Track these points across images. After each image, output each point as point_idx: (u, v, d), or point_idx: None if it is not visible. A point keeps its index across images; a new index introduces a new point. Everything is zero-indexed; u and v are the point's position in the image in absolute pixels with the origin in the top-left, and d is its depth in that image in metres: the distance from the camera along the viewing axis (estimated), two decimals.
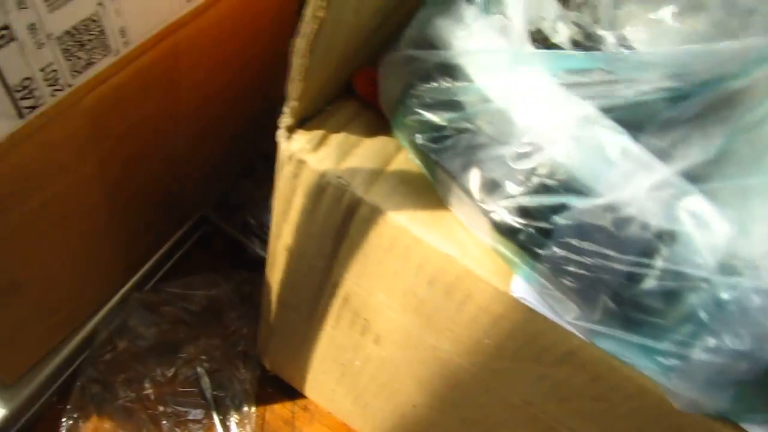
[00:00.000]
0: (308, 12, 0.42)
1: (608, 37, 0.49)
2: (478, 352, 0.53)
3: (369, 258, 0.53)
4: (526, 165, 0.43)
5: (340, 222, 0.52)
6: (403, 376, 0.64)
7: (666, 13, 0.47)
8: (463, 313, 0.50)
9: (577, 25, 0.51)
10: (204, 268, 0.92)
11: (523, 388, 0.54)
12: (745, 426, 0.46)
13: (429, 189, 0.50)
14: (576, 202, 0.42)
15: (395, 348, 0.60)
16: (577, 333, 0.46)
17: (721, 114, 0.44)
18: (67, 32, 0.49)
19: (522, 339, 0.49)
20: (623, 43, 0.48)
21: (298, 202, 0.53)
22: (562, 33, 0.52)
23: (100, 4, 0.50)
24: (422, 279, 0.50)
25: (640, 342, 0.44)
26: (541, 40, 0.51)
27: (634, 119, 0.44)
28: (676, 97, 0.43)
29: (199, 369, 0.84)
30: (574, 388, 0.50)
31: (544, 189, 0.43)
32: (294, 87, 0.47)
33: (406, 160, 0.52)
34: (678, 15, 0.46)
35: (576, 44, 0.50)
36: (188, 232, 0.94)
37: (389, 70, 0.52)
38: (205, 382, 0.84)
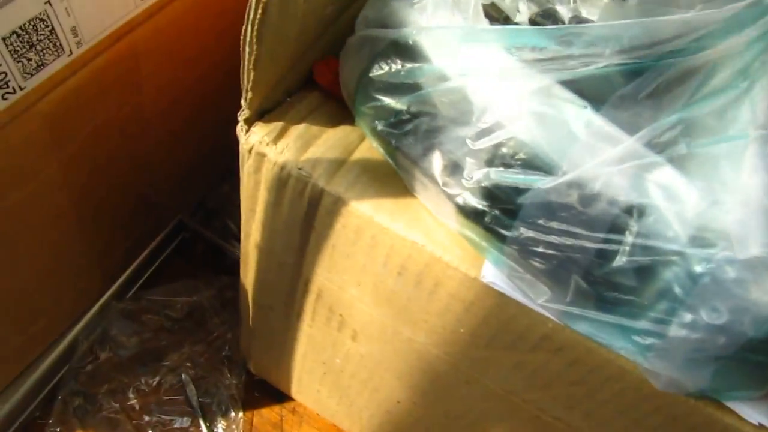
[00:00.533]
0: None
1: (565, 14, 0.48)
2: (453, 342, 0.52)
3: (337, 251, 0.51)
4: (486, 144, 0.42)
5: (305, 215, 0.50)
6: (383, 372, 0.62)
7: None
8: (435, 302, 0.49)
9: (536, 3, 0.50)
10: (185, 275, 0.90)
11: (502, 376, 0.52)
12: (727, 403, 0.45)
13: (393, 176, 0.49)
14: (540, 181, 0.41)
15: (372, 343, 0.59)
16: (550, 316, 0.45)
17: (681, 86, 0.43)
18: (14, 32, 0.47)
19: (495, 326, 0.48)
20: (580, 20, 0.46)
21: (262, 197, 0.52)
22: (523, 12, 0.51)
23: (47, 2, 0.49)
24: (391, 269, 0.49)
25: (615, 322, 0.43)
26: (502, 19, 0.50)
27: (592, 94, 0.43)
28: (633, 71, 0.42)
29: (183, 376, 0.83)
30: (553, 374, 0.49)
31: (507, 168, 0.42)
32: (246, 77, 0.46)
33: (370, 149, 0.50)
34: None
35: (534, 23, 0.49)
36: (167, 239, 0.93)
37: (347, 55, 0.50)
38: (191, 389, 0.82)
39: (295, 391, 0.81)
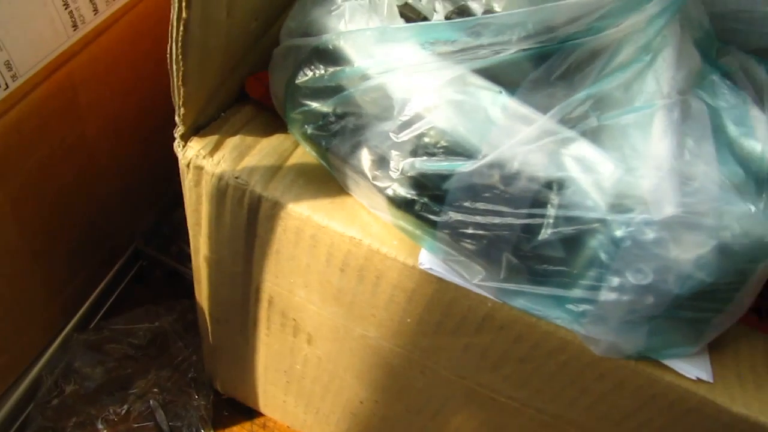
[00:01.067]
0: (173, 14, 0.42)
1: (478, 9, 0.50)
2: (402, 333, 0.53)
3: (281, 254, 0.53)
4: (409, 136, 0.44)
5: (247, 222, 0.52)
6: (342, 373, 0.64)
7: None
8: (379, 294, 0.50)
9: (451, 1, 0.52)
10: (145, 301, 0.91)
11: (454, 362, 0.54)
12: (666, 362, 0.47)
13: (328, 178, 0.50)
14: (462, 165, 0.43)
15: (327, 344, 0.60)
16: (488, 295, 0.46)
17: (590, 65, 0.45)
18: None
19: (439, 311, 0.49)
20: (489, 11, 0.48)
21: (205, 209, 0.53)
22: (440, 12, 0.52)
23: None
24: (334, 266, 0.51)
25: (549, 293, 0.45)
26: (419, 19, 0.52)
27: (506, 80, 0.44)
28: (543, 55, 0.44)
29: (152, 402, 0.83)
30: (500, 353, 0.50)
31: (430, 157, 0.44)
32: (177, 93, 0.47)
33: (304, 154, 0.52)
34: None
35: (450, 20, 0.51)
36: (124, 267, 0.94)
37: (274, 66, 0.52)
38: (160, 414, 0.83)
39: (263, 404, 0.82)
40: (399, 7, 0.49)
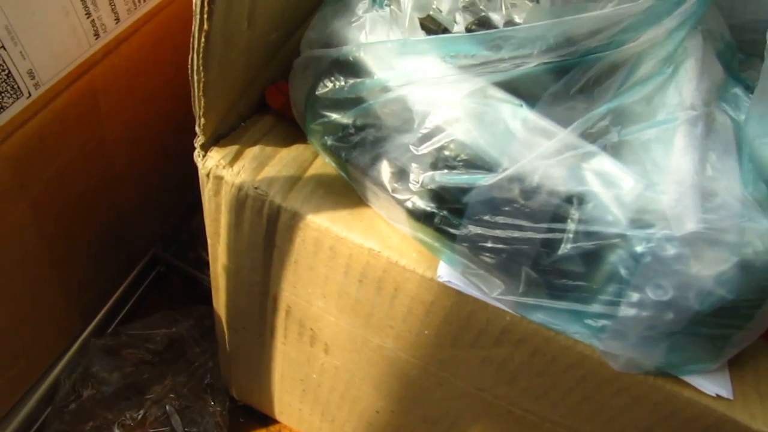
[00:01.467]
0: (195, 26, 0.42)
1: (499, 21, 0.50)
2: (420, 345, 0.53)
3: (299, 265, 0.53)
4: (429, 148, 0.44)
5: (266, 232, 0.52)
6: (359, 382, 0.64)
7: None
8: (397, 306, 0.50)
9: (471, 13, 0.52)
10: (163, 308, 0.91)
11: (471, 374, 0.54)
12: (684, 378, 0.47)
13: (347, 189, 0.50)
14: (483, 179, 0.42)
15: (344, 354, 0.60)
16: (506, 309, 0.46)
17: (609, 79, 0.45)
18: None
19: (457, 324, 0.49)
20: (512, 25, 0.48)
21: (224, 219, 0.53)
22: (460, 23, 0.52)
23: (2, 47, 0.50)
24: (352, 278, 0.51)
25: (568, 308, 0.44)
26: (440, 31, 0.52)
27: (526, 93, 0.44)
28: (563, 69, 0.44)
29: (168, 408, 0.83)
30: (517, 367, 0.50)
31: (451, 170, 0.44)
32: (198, 104, 0.47)
33: (323, 165, 0.52)
34: None
35: (469, 32, 0.51)
36: (142, 274, 0.94)
37: (295, 76, 0.52)
38: (176, 420, 0.83)
39: (278, 412, 0.82)
40: (420, 18, 0.49)
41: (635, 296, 0.42)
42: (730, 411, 0.46)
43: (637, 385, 0.47)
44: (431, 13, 0.52)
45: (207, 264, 0.94)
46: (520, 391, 0.53)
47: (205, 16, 0.41)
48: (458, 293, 0.47)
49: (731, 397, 0.47)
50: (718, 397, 0.46)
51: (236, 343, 0.71)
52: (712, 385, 0.47)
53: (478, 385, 0.55)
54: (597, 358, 0.46)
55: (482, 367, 0.52)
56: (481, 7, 0.53)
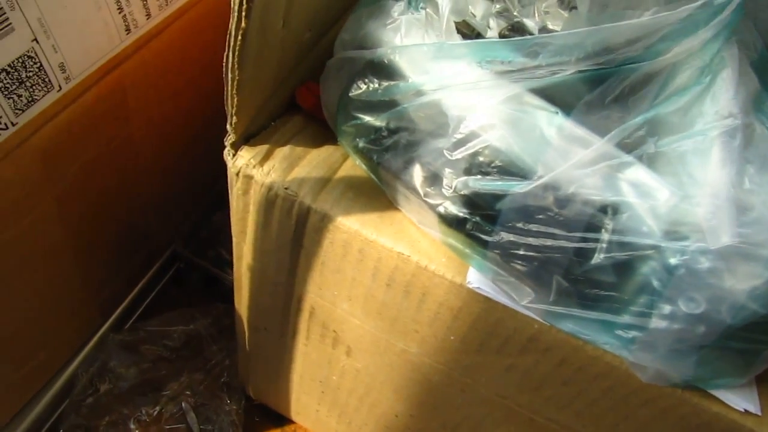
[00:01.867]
0: (232, 24, 0.42)
1: (533, 27, 0.49)
2: (445, 350, 0.53)
3: (327, 267, 0.53)
4: (463, 154, 0.44)
5: (294, 233, 0.52)
6: (379, 386, 0.63)
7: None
8: (424, 311, 0.50)
9: (505, 18, 0.52)
10: (181, 305, 0.91)
11: (495, 381, 0.54)
12: (712, 392, 0.46)
13: (377, 192, 0.50)
14: (517, 186, 0.42)
15: (367, 357, 0.60)
16: (536, 317, 0.46)
17: (645, 88, 0.44)
18: (3, 70, 0.49)
19: (484, 330, 0.49)
20: (547, 31, 0.48)
21: (252, 218, 0.53)
22: (494, 28, 0.52)
23: (34, 40, 0.50)
24: (380, 281, 0.50)
25: (599, 318, 0.44)
26: (474, 35, 0.52)
27: (562, 101, 0.44)
28: (599, 77, 0.44)
29: (184, 405, 0.83)
30: (543, 375, 0.50)
31: (484, 176, 0.43)
32: (230, 102, 0.47)
33: (353, 167, 0.52)
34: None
35: (504, 38, 0.51)
36: (162, 270, 0.94)
37: (327, 77, 0.52)
38: (192, 417, 0.83)
39: (295, 412, 0.82)
40: (456, 23, 0.49)
41: (667, 308, 0.42)
42: (758, 427, 0.46)
43: (664, 398, 0.47)
44: (466, 18, 0.52)
45: (227, 262, 0.94)
46: (544, 400, 0.52)
47: (243, 13, 0.41)
48: (487, 300, 0.47)
49: (759, 413, 0.46)
50: (746, 412, 0.46)
51: (256, 343, 0.71)
52: (740, 400, 0.46)
53: (501, 393, 0.54)
54: (625, 369, 0.46)
55: (507, 375, 0.52)
56: (515, 13, 0.53)
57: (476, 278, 0.46)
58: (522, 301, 0.45)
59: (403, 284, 0.49)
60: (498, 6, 0.53)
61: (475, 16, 0.53)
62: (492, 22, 0.53)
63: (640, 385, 0.46)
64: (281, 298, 0.60)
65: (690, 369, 0.45)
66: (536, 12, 0.52)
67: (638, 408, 0.49)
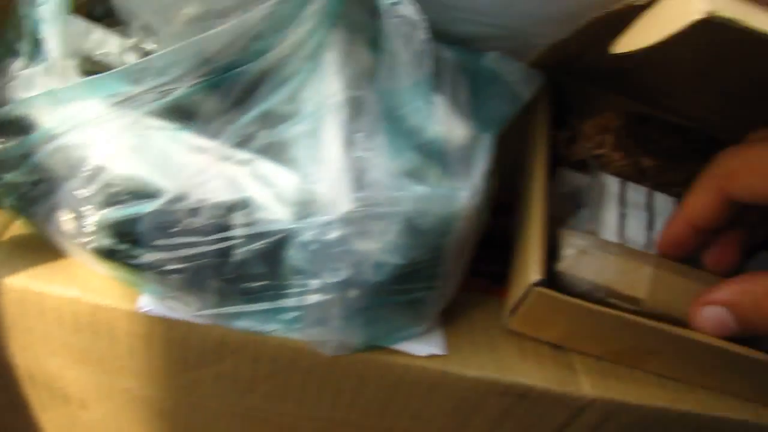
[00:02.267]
0: None
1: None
2: (157, 377, 0.54)
3: (18, 329, 0.53)
4: (95, 189, 0.45)
5: None
6: (127, 428, 0.63)
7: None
8: (119, 345, 0.51)
9: (138, 51, 0.54)
10: None
11: (215, 393, 0.55)
12: (399, 347, 0.50)
13: (47, 244, 0.51)
14: (146, 206, 0.44)
15: (101, 405, 0.60)
16: (212, 322, 0.48)
17: (260, 87, 0.47)
18: None
19: (177, 348, 0.50)
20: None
21: None
22: (130, 62, 0.54)
23: None
24: (67, 329, 0.51)
25: (262, 308, 0.47)
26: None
27: (185, 116, 0.46)
28: (210, 87, 0.46)
29: None
30: (248, 375, 0.52)
31: (120, 205, 0.45)
32: None
33: (21, 226, 0.52)
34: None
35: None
36: None
37: None
38: None
39: None
40: (80, 65, 0.50)
41: (316, 283, 0.45)
42: (445, 365, 0.50)
43: (354, 365, 0.50)
44: (95, 57, 0.53)
45: None
46: (263, 398, 0.54)
47: None
48: (165, 319, 0.48)
49: (445, 353, 0.50)
50: (432, 355, 0.50)
51: (4, 427, 0.69)
52: (424, 346, 0.50)
53: (226, 402, 0.56)
54: (311, 350, 0.49)
55: (219, 384, 0.53)
56: (144, 44, 0.54)
57: (147, 302, 0.48)
58: (193, 311, 0.47)
59: (89, 325, 0.50)
60: (133, 40, 0.54)
61: (110, 54, 0.54)
62: (127, 57, 0.54)
63: (331, 360, 0.49)
64: None
65: (362, 331, 0.48)
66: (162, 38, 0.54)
67: (341, 380, 0.51)
